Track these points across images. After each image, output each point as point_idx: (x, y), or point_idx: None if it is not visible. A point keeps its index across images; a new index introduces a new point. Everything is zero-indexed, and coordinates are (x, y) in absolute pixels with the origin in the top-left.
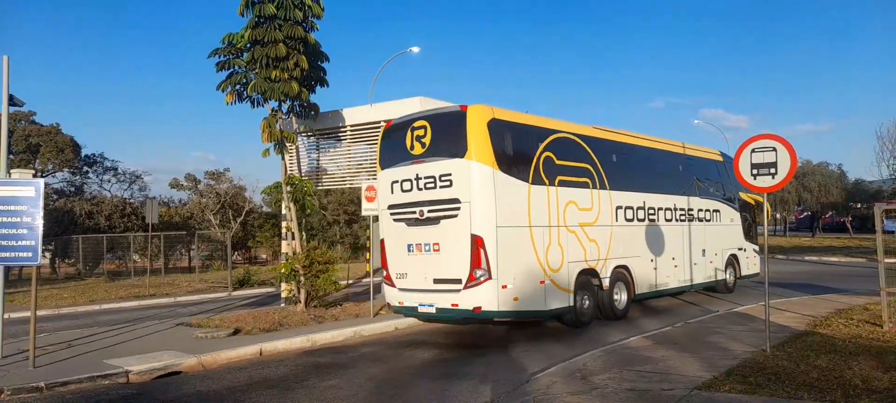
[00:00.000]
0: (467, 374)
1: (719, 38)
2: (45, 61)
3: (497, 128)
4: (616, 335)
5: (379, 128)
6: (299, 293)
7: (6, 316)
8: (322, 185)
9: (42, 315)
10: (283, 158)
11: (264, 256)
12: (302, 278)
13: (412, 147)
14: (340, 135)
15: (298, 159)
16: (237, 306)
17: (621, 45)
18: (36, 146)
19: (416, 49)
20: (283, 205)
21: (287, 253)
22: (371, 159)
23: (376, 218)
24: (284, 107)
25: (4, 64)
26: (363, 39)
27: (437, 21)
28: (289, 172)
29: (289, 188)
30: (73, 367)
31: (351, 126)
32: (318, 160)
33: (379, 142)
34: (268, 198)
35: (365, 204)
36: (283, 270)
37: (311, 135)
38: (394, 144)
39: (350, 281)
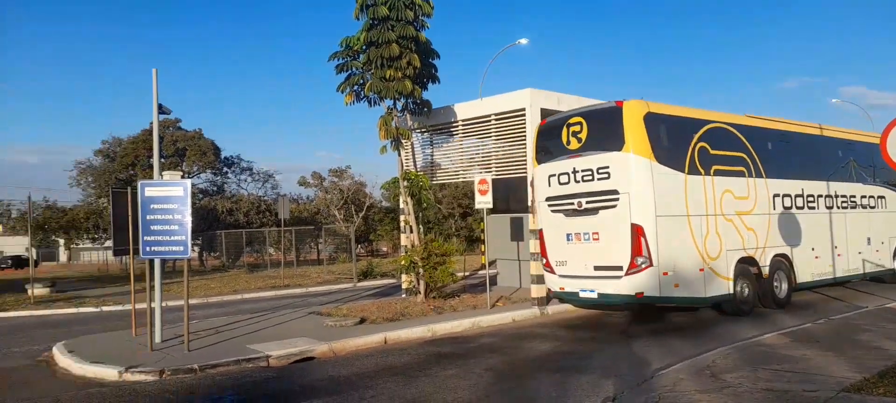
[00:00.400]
0: (587, 367)
1: (857, 8)
2: (186, 71)
3: (652, 121)
4: (748, 331)
5: (489, 122)
6: (419, 284)
7: (163, 304)
8: (436, 180)
9: (193, 303)
10: (399, 154)
11: (385, 249)
12: (421, 270)
13: (568, 142)
14: (452, 129)
15: (413, 155)
16: (362, 296)
17: (749, 24)
18: (182, 150)
19: (524, 41)
20: (401, 200)
21: (406, 246)
22: (483, 153)
23: (490, 211)
24: (399, 104)
25: (154, 76)
26: (472, 34)
27: (547, 15)
28: (405, 168)
29: (405, 183)
30: (222, 351)
31: (462, 120)
32: (431, 155)
33: (534, 139)
34: (386, 193)
35: (478, 198)
36: (402, 262)
37: (424, 131)
38: (549, 140)
39: (466, 273)
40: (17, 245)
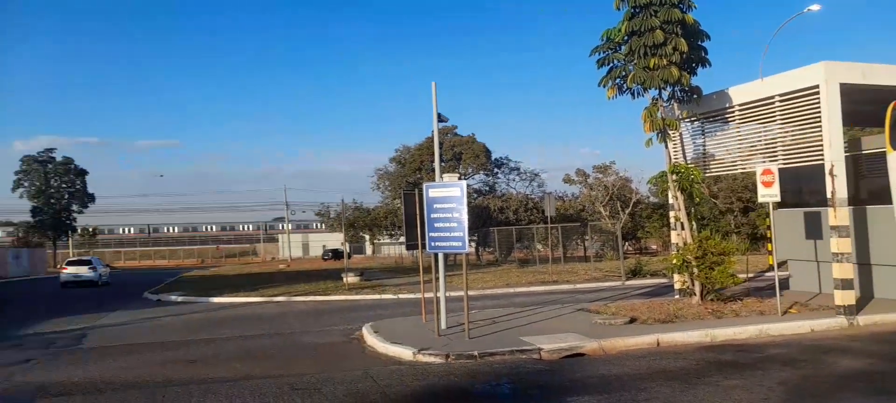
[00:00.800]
0: None
1: None
2: (460, 80)
3: None
4: None
5: (772, 104)
6: (693, 285)
7: (447, 294)
8: (710, 172)
9: (471, 294)
10: (666, 147)
11: (654, 246)
12: (695, 269)
13: None
14: (727, 116)
15: (682, 146)
16: (630, 295)
17: None
18: (459, 154)
19: (816, 7)
20: (670, 195)
21: (677, 244)
22: (765, 140)
23: (777, 205)
24: (664, 94)
25: (433, 89)
26: (748, 9)
27: None
28: (673, 160)
29: (674, 176)
30: (497, 341)
31: (739, 105)
32: (703, 145)
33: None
34: (653, 188)
35: (761, 190)
36: (674, 261)
37: (694, 120)
38: None
39: (749, 275)
40: (335, 240)
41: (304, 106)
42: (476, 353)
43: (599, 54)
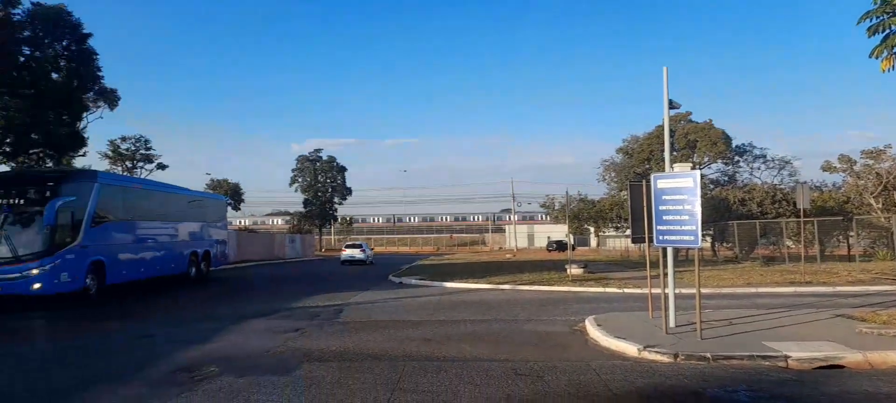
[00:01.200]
0: None
1: None
2: (697, 62)
3: None
4: None
5: None
6: None
7: (676, 290)
8: None
9: (705, 293)
10: None
11: None
12: None
13: None
14: None
15: None
16: None
17: None
18: (693, 142)
19: None
20: None
21: None
22: None
23: None
24: None
25: (664, 74)
26: None
27: None
28: None
29: None
30: (734, 344)
31: None
32: None
33: None
34: None
35: None
36: None
37: None
38: None
39: None
40: (559, 232)
41: (531, 97)
42: (709, 355)
43: (871, 20)
